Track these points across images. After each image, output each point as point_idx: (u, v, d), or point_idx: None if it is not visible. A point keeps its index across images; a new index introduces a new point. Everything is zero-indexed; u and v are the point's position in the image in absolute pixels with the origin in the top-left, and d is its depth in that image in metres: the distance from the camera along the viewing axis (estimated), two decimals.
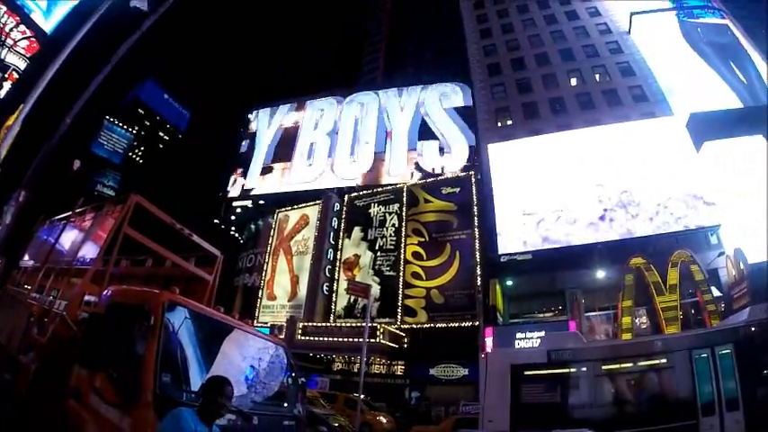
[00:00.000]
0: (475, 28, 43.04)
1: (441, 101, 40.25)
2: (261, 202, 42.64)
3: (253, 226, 43.88)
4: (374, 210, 33.62)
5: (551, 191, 28.83)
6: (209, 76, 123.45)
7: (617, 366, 12.63)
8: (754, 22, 42.48)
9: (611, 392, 12.35)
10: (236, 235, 47.55)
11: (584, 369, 12.72)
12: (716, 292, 25.97)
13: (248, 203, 44.01)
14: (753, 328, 12.61)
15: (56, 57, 13.17)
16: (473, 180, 31.61)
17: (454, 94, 40.33)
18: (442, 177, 33.73)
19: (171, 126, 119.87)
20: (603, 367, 12.58)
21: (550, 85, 36.38)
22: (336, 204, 35.44)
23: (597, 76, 36.65)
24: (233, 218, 46.79)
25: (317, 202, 35.73)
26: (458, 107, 39.50)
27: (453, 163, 35.79)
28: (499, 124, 35.36)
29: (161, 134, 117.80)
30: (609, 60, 37.40)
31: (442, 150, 37.11)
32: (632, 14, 38.58)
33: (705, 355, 12.21)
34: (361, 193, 35.68)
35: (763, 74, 34.61)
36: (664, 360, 12.45)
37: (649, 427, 11.26)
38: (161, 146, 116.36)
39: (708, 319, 24.48)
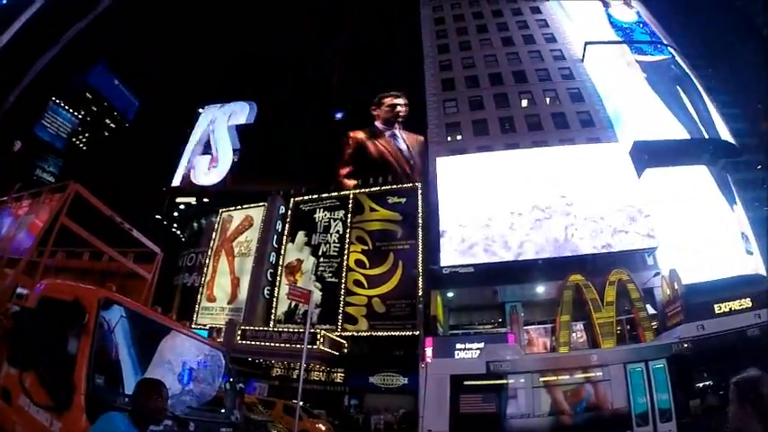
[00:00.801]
0: (433, 42, 43.64)
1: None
2: (205, 200, 41.60)
3: (195, 224, 42.57)
4: (319, 215, 33.31)
5: (496, 206, 29.38)
6: (165, 65, 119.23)
7: (554, 378, 13.18)
8: (698, 61, 45.18)
9: (549, 403, 12.76)
10: (178, 232, 46.14)
11: (523, 380, 13.24)
12: (651, 310, 27.20)
13: (192, 200, 42.80)
14: (685, 345, 13.91)
15: (2, 31, 12.27)
16: (419, 191, 31.83)
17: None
18: (390, 187, 33.65)
19: (118, 114, 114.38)
20: (541, 379, 13.12)
21: (502, 105, 37.18)
22: (282, 207, 34.91)
23: (548, 100, 37.86)
24: (175, 214, 45.39)
25: (262, 204, 35.12)
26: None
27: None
28: (449, 139, 35.83)
29: (107, 121, 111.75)
30: (560, 85, 38.66)
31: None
32: (586, 44, 40.16)
33: (639, 368, 13.01)
34: (306, 197, 35.27)
35: (708, 107, 36.84)
36: (600, 373, 13.09)
37: None
38: (106, 133, 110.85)
39: (642, 335, 25.50)
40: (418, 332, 25.68)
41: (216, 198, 40.57)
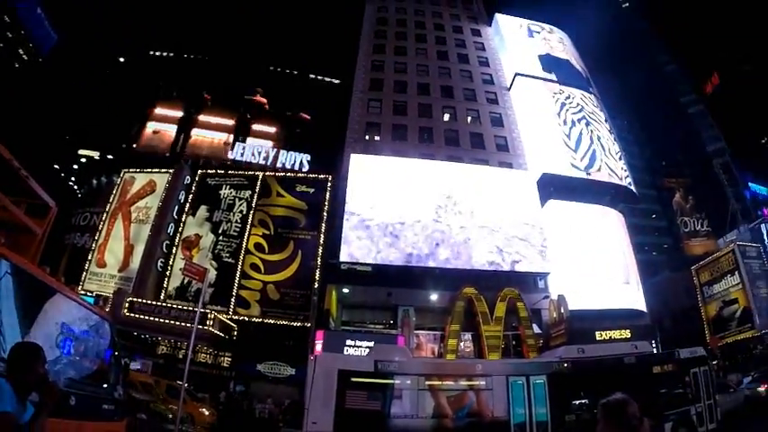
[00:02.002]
0: (371, 40, 43.82)
1: None
2: (109, 156, 39.39)
3: (95, 181, 39.95)
4: (225, 192, 32.24)
5: (403, 211, 30.10)
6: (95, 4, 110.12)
7: (439, 383, 13.46)
8: (614, 111, 48.73)
9: (433, 406, 13.09)
10: (75, 187, 43.23)
11: (409, 382, 13.43)
12: (537, 329, 29.07)
13: (95, 154, 40.44)
14: (565, 364, 14.47)
15: None
16: (329, 184, 31.80)
17: None
18: (300, 175, 33.35)
19: (33, 46, 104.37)
20: (427, 382, 13.35)
21: (424, 115, 37.97)
22: (188, 177, 33.28)
23: (469, 119, 39.14)
24: (75, 167, 42.63)
25: (168, 170, 33.26)
26: None
27: None
28: (367, 137, 36.11)
29: (21, 52, 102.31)
30: (484, 108, 40.12)
31: None
32: (516, 74, 42.03)
33: (521, 382, 13.61)
34: (215, 171, 34.01)
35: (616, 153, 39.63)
36: (483, 382, 13.50)
37: None
38: (17, 65, 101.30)
39: (527, 352, 27.32)
40: (310, 324, 25.86)
41: (121, 156, 38.46)
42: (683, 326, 43.76)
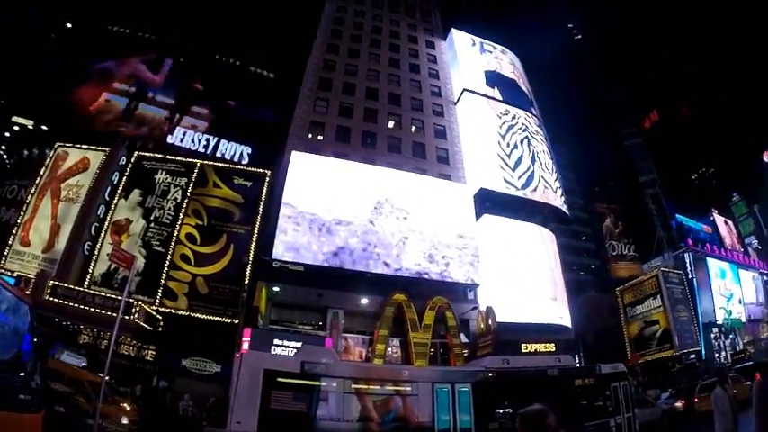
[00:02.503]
0: (326, 39, 43.92)
1: None
2: (44, 127, 37.84)
3: (27, 152, 38.18)
4: (160, 177, 31.12)
5: (339, 212, 30.52)
6: None
7: (366, 387, 13.46)
8: (554, 135, 51.07)
9: (358, 410, 13.05)
10: (5, 156, 41.27)
11: (335, 384, 13.33)
12: (464, 339, 29.86)
13: (29, 123, 38.76)
14: (490, 374, 15.06)
15: None
16: (267, 179, 31.22)
17: None
18: (240, 167, 32.62)
19: None
20: (353, 385, 13.32)
21: (369, 119, 38.41)
22: (123, 158, 31.95)
23: (413, 128, 39.86)
24: (7, 134, 40.76)
25: (104, 149, 31.64)
26: None
27: None
28: (310, 136, 36.17)
29: None
30: (429, 119, 41.06)
31: None
32: (464, 90, 43.27)
33: (446, 389, 13.94)
34: (152, 155, 32.63)
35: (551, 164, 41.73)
36: (409, 388, 13.70)
37: None
38: None
39: (453, 360, 28.04)
40: (238, 321, 25.55)
41: (57, 128, 36.86)
42: (606, 343, 45.92)
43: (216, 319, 26.78)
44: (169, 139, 34.10)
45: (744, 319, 55.99)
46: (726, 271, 56.99)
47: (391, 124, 39.29)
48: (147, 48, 43.80)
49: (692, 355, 44.36)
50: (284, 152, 32.83)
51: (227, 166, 32.37)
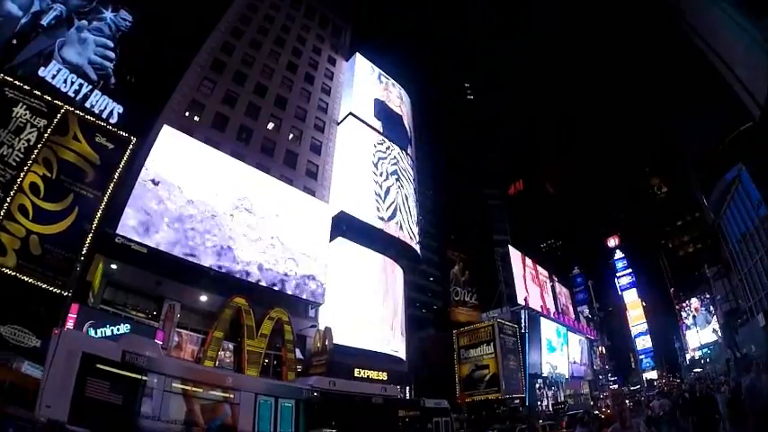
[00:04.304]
0: (232, 22, 42.66)
1: None
2: None
3: None
4: (19, 110, 27.08)
5: (197, 202, 29.75)
6: None
7: (190, 388, 12.68)
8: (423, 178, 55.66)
9: (179, 410, 12.28)
10: None
11: (156, 381, 12.31)
12: (299, 354, 30.49)
13: None
14: (315, 393, 15.52)
15: None
16: (131, 146, 29.00)
17: None
18: (107, 126, 29.46)
19: None
20: (180, 386, 12.52)
21: (250, 115, 38.27)
22: None
23: (291, 136, 40.66)
24: None
25: None
26: None
27: None
28: (187, 114, 34.52)
29: None
30: (308, 131, 42.27)
31: None
32: (350, 114, 45.47)
33: (269, 402, 13.91)
34: (22, 85, 27.96)
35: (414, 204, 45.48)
36: (232, 395, 13.26)
37: None
38: None
39: (285, 374, 28.18)
40: (67, 294, 23.26)
41: None
42: (438, 379, 48.73)
43: (44, 286, 23.58)
44: (41, 72, 31.15)
45: (567, 375, 65.78)
46: (559, 331, 66.19)
47: (271, 126, 39.72)
48: None
49: (517, 400, 50.14)
50: (155, 124, 31.13)
51: (94, 120, 30.21)
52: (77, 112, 29.96)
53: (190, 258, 28.32)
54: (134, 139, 29.62)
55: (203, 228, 29.60)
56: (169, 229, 27.97)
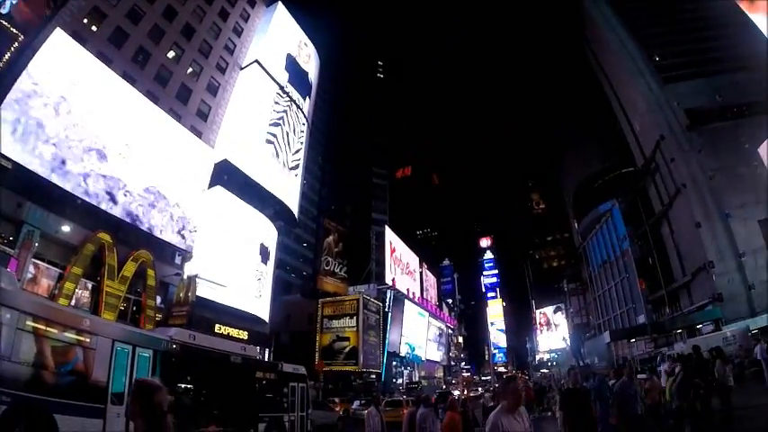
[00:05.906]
0: None
1: None
2: None
3: None
4: None
5: (78, 121, 26.50)
6: None
7: (45, 329, 11.09)
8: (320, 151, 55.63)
9: (30, 351, 10.65)
10: None
11: (9, 316, 10.36)
12: (160, 303, 29.32)
13: None
14: (174, 345, 14.68)
15: None
16: (17, 43, 25.32)
17: None
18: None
19: None
20: (31, 323, 10.76)
21: (154, 39, 35.13)
22: None
23: (190, 70, 38.39)
24: None
25: None
26: None
27: None
28: (85, 21, 30.33)
29: None
30: (209, 69, 40.35)
31: None
32: (256, 61, 44.17)
33: (127, 350, 12.96)
34: None
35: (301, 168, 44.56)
36: (88, 340, 12.07)
37: (36, 395, 10.35)
38: None
39: (144, 322, 26.83)
40: None
41: None
42: (299, 345, 49.90)
43: None
44: None
45: (424, 358, 70.29)
46: (422, 315, 70.70)
47: (171, 54, 36.66)
48: None
49: (374, 375, 52.33)
50: (48, 24, 27.61)
51: None
52: None
53: (58, 184, 24.94)
54: (21, 36, 26.36)
55: (80, 152, 26.41)
56: (44, 146, 24.46)
